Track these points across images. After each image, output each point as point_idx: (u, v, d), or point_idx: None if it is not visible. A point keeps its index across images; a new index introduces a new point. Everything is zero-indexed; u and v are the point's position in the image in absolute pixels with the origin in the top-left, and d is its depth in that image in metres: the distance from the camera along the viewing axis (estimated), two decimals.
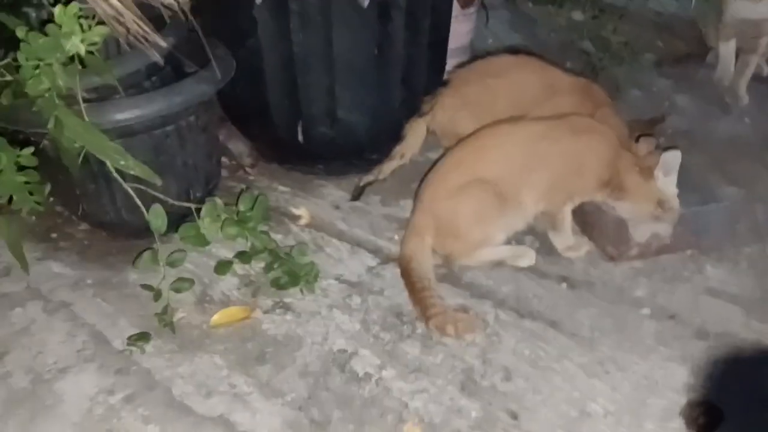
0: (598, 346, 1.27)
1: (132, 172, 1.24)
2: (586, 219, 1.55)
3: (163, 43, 1.33)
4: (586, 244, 1.52)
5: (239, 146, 1.87)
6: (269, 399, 1.17)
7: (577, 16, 2.75)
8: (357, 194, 1.68)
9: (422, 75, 1.68)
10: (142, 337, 1.27)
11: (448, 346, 1.27)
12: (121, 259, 1.47)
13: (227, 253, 1.49)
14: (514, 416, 1.13)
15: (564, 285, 1.43)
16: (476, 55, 2.09)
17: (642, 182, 1.41)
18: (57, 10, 1.09)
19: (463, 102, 1.61)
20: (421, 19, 1.59)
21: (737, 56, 2.20)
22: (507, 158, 1.41)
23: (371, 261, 1.50)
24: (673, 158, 1.39)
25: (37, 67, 1.11)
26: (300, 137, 1.67)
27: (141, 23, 1.20)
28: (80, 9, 1.10)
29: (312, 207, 1.68)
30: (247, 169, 1.85)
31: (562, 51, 2.43)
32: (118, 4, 1.16)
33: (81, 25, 1.10)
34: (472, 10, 2.14)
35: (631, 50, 2.37)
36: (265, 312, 1.36)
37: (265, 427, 1.12)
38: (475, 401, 1.16)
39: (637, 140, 1.49)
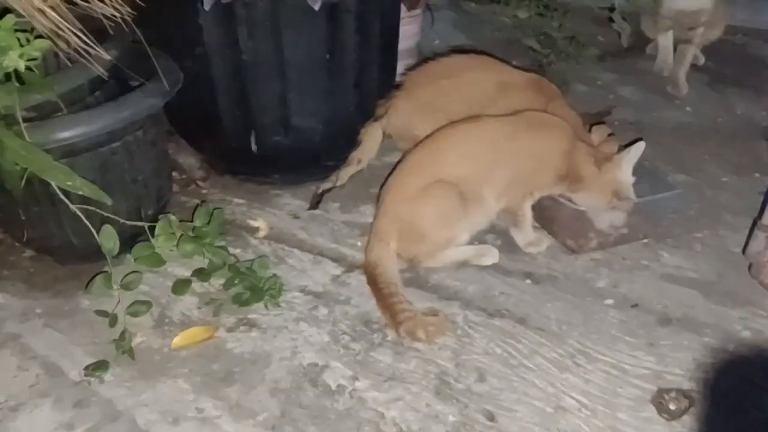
0: (567, 340, 1.28)
1: (80, 193, 1.17)
2: (544, 214, 1.56)
3: (106, 56, 1.27)
4: (546, 238, 1.53)
5: (189, 160, 1.82)
6: (240, 421, 1.13)
7: (522, 13, 2.79)
8: (315, 202, 1.65)
9: (374, 79, 1.66)
10: (100, 366, 1.21)
11: (420, 350, 1.25)
12: (71, 285, 1.40)
13: (184, 272, 1.44)
14: (491, 417, 1.13)
15: (528, 281, 1.43)
16: (424, 56, 2.09)
17: (598, 172, 1.44)
18: None
19: (418, 104, 1.60)
20: (371, 23, 1.57)
21: (675, 47, 2.27)
22: (466, 158, 1.41)
23: (335, 270, 1.47)
24: (639, 150, 1.42)
25: None
26: (254, 147, 1.63)
27: (82, 36, 1.14)
28: (16, 22, 1.03)
29: (270, 218, 1.64)
30: (199, 182, 1.79)
31: (508, 49, 2.45)
32: (57, 17, 1.09)
33: (19, 40, 1.03)
34: (417, 11, 2.15)
35: (576, 45, 2.41)
36: (229, 330, 1.32)
37: None
38: (451, 405, 1.15)
39: (590, 130, 1.51)
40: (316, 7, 1.27)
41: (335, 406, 1.15)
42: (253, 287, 1.38)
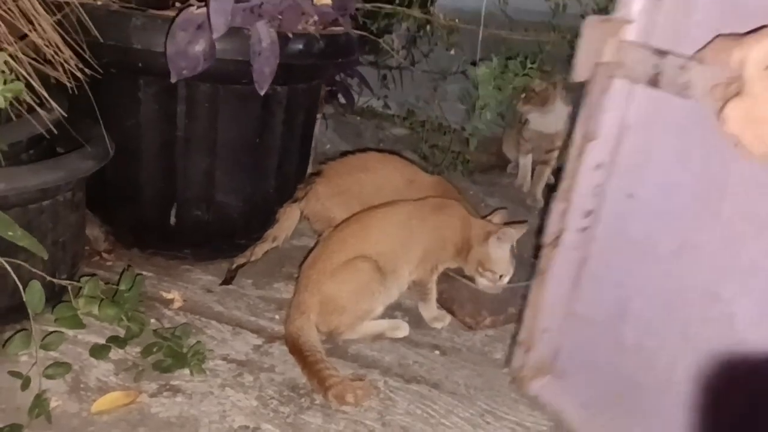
0: (476, 402, 1.42)
1: (21, 244, 1.14)
2: (443, 296, 1.74)
3: (49, 116, 1.30)
4: (447, 315, 1.70)
5: (94, 231, 1.78)
6: None
7: (397, 131, 3.14)
8: (230, 277, 1.69)
9: (293, 164, 1.81)
10: (14, 429, 1.12)
11: (347, 413, 1.32)
12: None
13: (97, 338, 1.39)
14: None
15: (437, 352, 1.57)
16: (320, 157, 2.28)
17: (477, 245, 1.63)
18: None
19: (336, 191, 1.76)
20: (296, 115, 1.74)
21: (534, 167, 2.69)
22: (386, 236, 1.57)
23: (256, 340, 1.51)
24: (511, 232, 1.63)
25: None
26: (172, 220, 1.66)
27: (41, 91, 1.17)
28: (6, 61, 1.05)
29: (182, 291, 1.64)
30: (104, 255, 1.75)
31: None
32: (19, 68, 1.12)
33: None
34: (318, 117, 2.36)
35: (449, 161, 2.75)
36: (152, 395, 1.29)
37: None
38: None
39: (492, 213, 1.74)
40: (262, 92, 1.41)
41: None
42: (174, 354, 1.37)
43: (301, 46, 1.53)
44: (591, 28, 1.07)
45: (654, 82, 0.99)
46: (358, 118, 3.25)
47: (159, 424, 1.22)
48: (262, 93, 1.41)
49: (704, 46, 0.94)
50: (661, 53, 0.99)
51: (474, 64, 2.58)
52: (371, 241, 1.54)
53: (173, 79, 1.31)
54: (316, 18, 1.54)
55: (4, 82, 1.05)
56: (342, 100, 2.75)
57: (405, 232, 1.58)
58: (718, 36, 0.94)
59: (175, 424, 1.23)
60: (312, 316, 1.49)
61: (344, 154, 2.65)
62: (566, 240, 1.20)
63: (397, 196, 1.76)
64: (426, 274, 1.64)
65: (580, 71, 1.11)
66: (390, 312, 1.66)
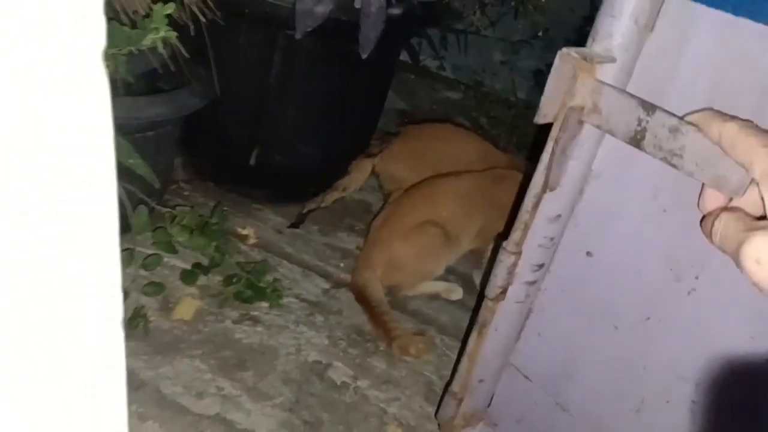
0: None
1: (139, 172, 1.24)
2: None
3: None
4: None
5: (175, 161, 1.88)
6: (259, 402, 1.24)
7: (451, 94, 3.18)
8: (299, 221, 1.80)
9: (368, 121, 1.89)
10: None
11: (408, 362, 1.44)
12: None
13: (180, 263, 1.51)
14: None
15: None
16: None
17: None
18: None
19: (412, 154, 1.84)
20: (379, 75, 1.81)
21: None
22: (452, 205, 1.66)
23: (324, 284, 1.62)
24: None
25: None
26: (252, 161, 1.75)
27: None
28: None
29: (255, 228, 1.75)
30: (182, 184, 1.86)
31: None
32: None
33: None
34: None
35: (506, 134, 2.79)
36: (234, 322, 1.41)
37: (262, 427, 1.19)
38: None
39: None
40: (364, 56, 1.47)
41: (342, 399, 1.30)
42: (253, 286, 1.49)
43: (400, 12, 1.59)
44: (563, 62, 0.85)
45: (635, 140, 0.78)
46: (412, 76, 3.29)
47: (243, 349, 1.35)
48: (365, 56, 1.48)
49: (695, 112, 0.64)
50: (649, 107, 0.76)
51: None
52: (440, 207, 1.64)
53: (298, 36, 1.38)
54: None
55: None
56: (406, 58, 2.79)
57: (468, 203, 1.67)
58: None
59: (256, 351, 1.35)
60: (378, 271, 1.60)
61: (401, 112, 2.74)
62: (511, 293, 1.06)
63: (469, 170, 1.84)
64: (483, 244, 1.73)
65: (545, 111, 0.88)
66: (445, 275, 1.76)
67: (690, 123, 0.73)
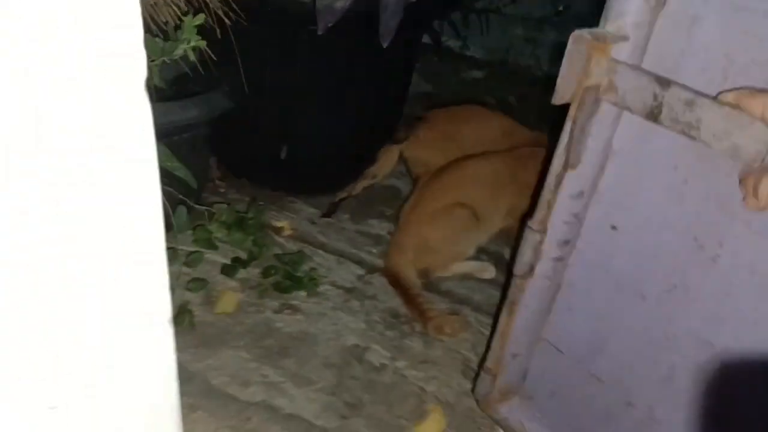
0: None
1: (178, 174, 1.30)
2: None
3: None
4: None
5: (209, 160, 1.94)
6: (302, 387, 1.29)
7: (475, 74, 3.18)
8: (331, 211, 1.84)
9: (394, 110, 1.92)
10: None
11: (444, 341, 1.48)
12: None
13: (219, 258, 1.57)
14: None
15: None
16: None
17: None
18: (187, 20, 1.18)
19: (438, 137, 1.86)
20: (404, 63, 1.84)
21: None
22: (480, 186, 1.68)
23: (359, 270, 1.67)
24: None
25: None
26: (283, 155, 1.80)
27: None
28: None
29: (289, 220, 1.81)
30: (217, 181, 1.92)
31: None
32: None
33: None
34: None
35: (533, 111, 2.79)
36: (275, 312, 1.47)
37: (306, 410, 1.24)
38: None
39: None
40: (385, 45, 1.50)
41: (382, 380, 1.35)
42: (291, 277, 1.54)
43: None
44: (577, 44, 0.88)
45: (652, 115, 0.82)
46: (435, 58, 3.30)
47: (284, 338, 1.41)
48: (385, 45, 1.50)
49: (730, 90, 0.78)
50: (664, 82, 0.80)
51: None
52: (467, 189, 1.66)
53: (320, 32, 1.41)
54: None
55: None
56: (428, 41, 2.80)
57: (495, 183, 1.69)
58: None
59: (297, 338, 1.41)
60: (410, 254, 1.64)
61: (426, 95, 2.75)
62: (539, 270, 1.09)
63: (494, 149, 1.85)
64: (514, 222, 1.75)
65: (562, 93, 0.91)
66: (477, 255, 1.79)
67: (705, 95, 0.76)
